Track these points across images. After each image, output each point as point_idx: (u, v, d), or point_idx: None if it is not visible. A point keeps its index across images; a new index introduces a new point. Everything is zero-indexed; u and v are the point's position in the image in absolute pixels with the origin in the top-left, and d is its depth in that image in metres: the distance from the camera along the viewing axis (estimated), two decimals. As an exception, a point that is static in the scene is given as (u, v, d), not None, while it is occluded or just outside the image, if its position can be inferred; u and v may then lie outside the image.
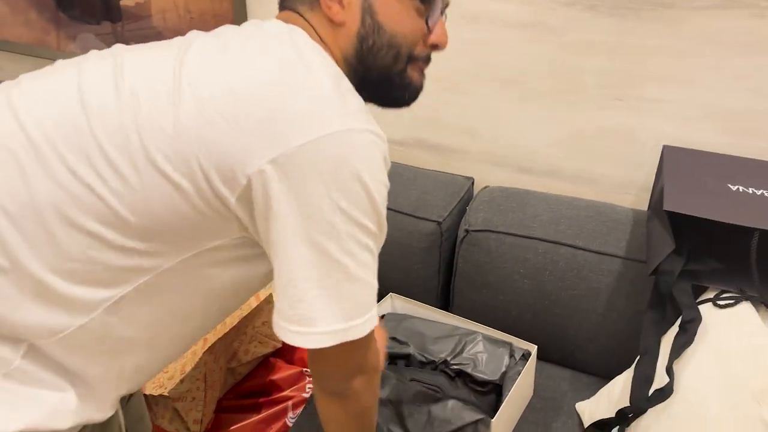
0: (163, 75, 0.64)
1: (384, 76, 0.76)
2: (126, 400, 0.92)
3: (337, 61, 0.73)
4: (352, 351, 0.70)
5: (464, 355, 1.21)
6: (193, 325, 0.74)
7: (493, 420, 1.04)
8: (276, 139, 0.61)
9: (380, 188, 0.66)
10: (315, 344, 0.66)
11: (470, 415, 1.05)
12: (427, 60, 0.81)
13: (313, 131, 0.61)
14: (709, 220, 0.99)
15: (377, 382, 0.80)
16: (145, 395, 1.10)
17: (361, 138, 0.63)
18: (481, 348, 1.22)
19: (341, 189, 0.62)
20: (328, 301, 0.64)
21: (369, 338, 0.71)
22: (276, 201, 0.62)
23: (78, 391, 0.69)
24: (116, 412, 0.80)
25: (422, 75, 0.81)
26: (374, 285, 0.69)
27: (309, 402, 1.17)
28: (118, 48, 0.71)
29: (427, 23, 0.77)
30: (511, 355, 1.21)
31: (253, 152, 0.61)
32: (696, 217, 1.01)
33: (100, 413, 0.72)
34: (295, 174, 0.61)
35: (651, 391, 1.02)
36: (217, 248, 0.67)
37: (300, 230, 0.62)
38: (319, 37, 0.73)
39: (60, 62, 0.71)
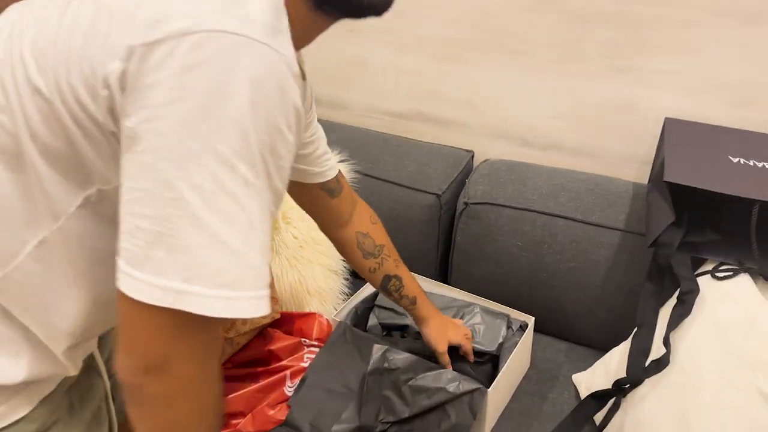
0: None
1: None
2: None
3: None
4: (182, 330, 0.52)
5: (462, 326, 1.21)
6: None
7: (489, 390, 1.05)
8: (131, 34, 0.50)
9: (267, 127, 0.51)
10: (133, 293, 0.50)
11: (466, 385, 1.05)
12: None
13: (179, 25, 0.49)
14: (709, 191, 0.99)
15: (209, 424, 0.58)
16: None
17: (256, 50, 0.50)
18: (479, 319, 1.22)
19: (204, 110, 0.49)
20: (165, 248, 0.49)
21: (212, 333, 0.54)
22: (125, 113, 0.51)
23: (23, 342, 0.65)
24: (100, 377, 0.80)
25: None
26: (242, 253, 0.51)
27: (307, 372, 1.18)
28: None
29: None
30: (509, 327, 1.22)
31: (107, 51, 0.52)
32: (696, 188, 1.00)
33: (54, 367, 0.68)
34: (149, 78, 0.49)
35: (648, 362, 1.02)
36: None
37: (145, 153, 0.50)
38: None
39: None
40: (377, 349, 1.12)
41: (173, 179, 0.49)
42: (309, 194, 0.98)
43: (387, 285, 1.09)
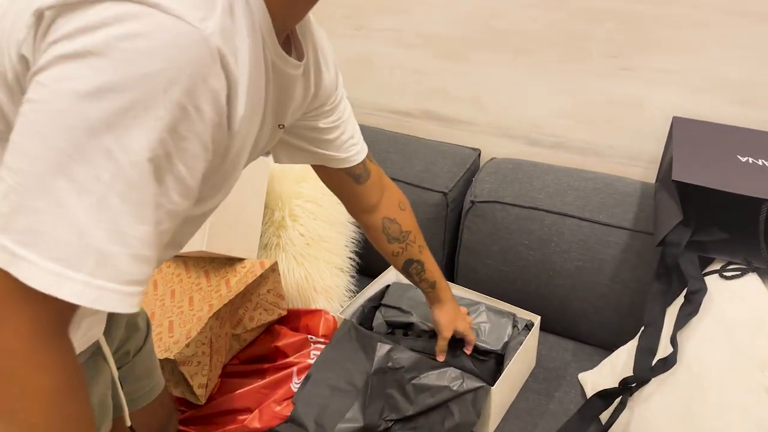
0: None
1: None
2: (131, 354, 0.92)
3: None
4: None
5: (467, 324, 1.21)
6: None
7: (492, 388, 1.05)
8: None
9: (166, 102, 0.48)
10: None
11: (469, 383, 1.05)
12: None
13: None
14: (717, 190, 0.98)
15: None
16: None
17: (161, 22, 0.47)
18: (484, 318, 1.22)
19: (96, 90, 0.46)
20: (11, 205, 0.46)
21: (44, 313, 0.49)
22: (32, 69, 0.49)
23: None
24: (106, 362, 0.79)
25: None
26: (87, 232, 0.47)
27: (311, 369, 1.18)
28: None
29: None
30: (514, 326, 1.22)
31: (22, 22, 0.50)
32: (704, 187, 1.00)
33: None
34: (49, 37, 0.48)
35: (654, 361, 1.02)
36: None
37: (26, 103, 0.48)
38: None
39: None
40: (381, 348, 1.13)
41: (35, 135, 0.46)
42: (335, 178, 0.96)
43: (408, 268, 1.09)
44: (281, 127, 0.75)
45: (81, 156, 0.46)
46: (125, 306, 0.50)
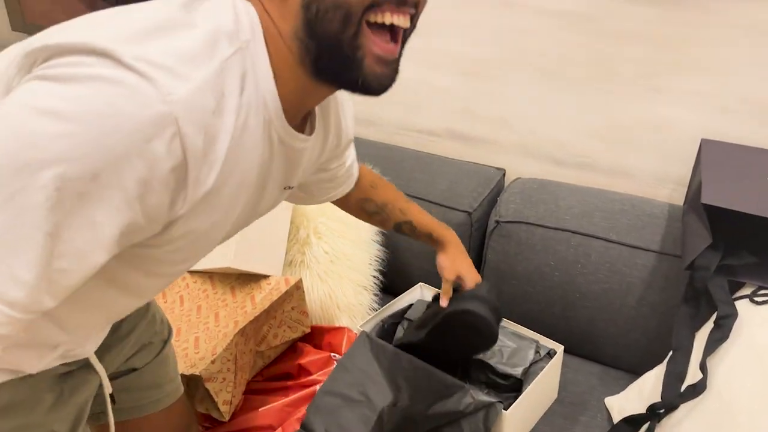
0: None
1: (335, 48, 0.60)
2: (137, 368, 0.93)
3: (287, 40, 0.61)
4: None
5: (487, 346, 1.20)
6: None
7: (506, 412, 1.03)
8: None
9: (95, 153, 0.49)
10: None
11: (481, 399, 1.04)
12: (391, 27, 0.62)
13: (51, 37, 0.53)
14: (747, 214, 0.97)
15: None
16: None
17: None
18: (506, 342, 1.21)
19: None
20: None
21: None
22: None
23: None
24: (96, 374, 0.80)
25: (387, 50, 0.61)
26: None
27: (326, 379, 1.17)
28: None
29: None
30: (537, 352, 1.20)
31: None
32: (734, 211, 0.99)
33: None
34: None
35: (683, 387, 1.00)
36: None
37: None
38: (268, 14, 0.61)
39: None
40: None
41: None
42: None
43: (400, 230, 1.10)
44: (288, 188, 0.77)
45: None
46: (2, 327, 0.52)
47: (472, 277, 1.09)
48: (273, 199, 0.75)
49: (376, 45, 0.61)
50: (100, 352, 0.82)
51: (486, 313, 1.03)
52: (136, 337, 0.91)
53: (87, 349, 0.77)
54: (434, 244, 1.13)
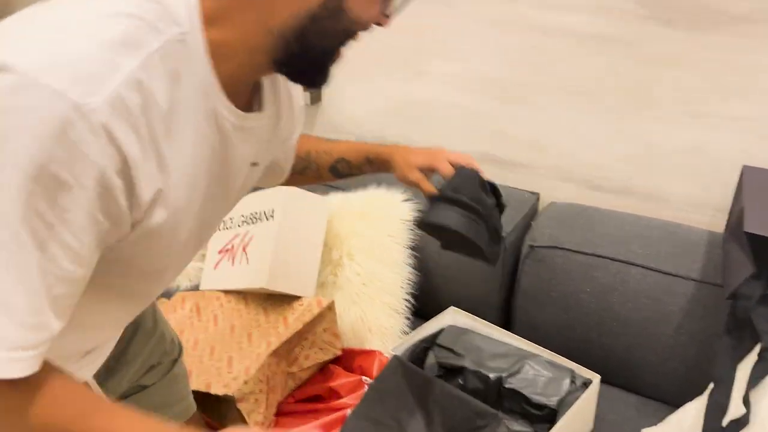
0: None
1: (318, 57, 0.64)
2: (147, 387, 0.93)
3: (260, 30, 0.60)
4: None
5: (521, 375, 1.17)
6: None
7: None
8: None
9: (40, 179, 0.48)
10: None
11: (517, 431, 1.02)
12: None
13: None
14: (793, 243, 0.95)
15: None
16: (209, 394, 1.13)
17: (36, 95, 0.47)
18: (541, 371, 1.18)
19: None
20: None
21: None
22: None
23: None
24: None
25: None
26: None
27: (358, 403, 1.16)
28: None
29: (385, 11, 0.65)
30: (572, 381, 1.18)
31: None
32: (779, 240, 0.96)
33: None
34: None
35: (726, 421, 0.97)
36: None
37: None
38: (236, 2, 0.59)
39: None
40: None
41: None
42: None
43: (338, 173, 1.01)
44: (255, 164, 0.74)
45: None
46: (15, 371, 0.51)
47: (439, 163, 0.95)
48: (245, 178, 0.73)
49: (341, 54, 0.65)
50: (104, 377, 0.82)
51: (457, 223, 0.89)
52: (143, 359, 0.91)
53: (84, 373, 0.76)
54: (380, 166, 1.00)
